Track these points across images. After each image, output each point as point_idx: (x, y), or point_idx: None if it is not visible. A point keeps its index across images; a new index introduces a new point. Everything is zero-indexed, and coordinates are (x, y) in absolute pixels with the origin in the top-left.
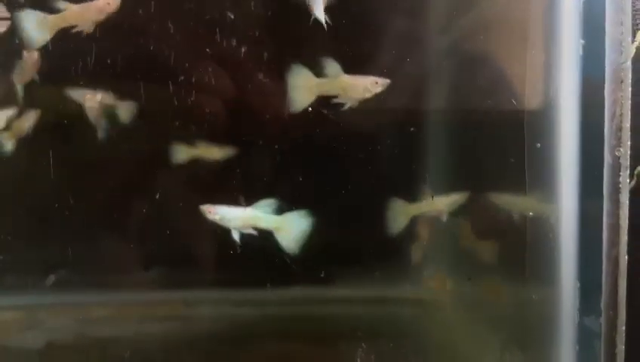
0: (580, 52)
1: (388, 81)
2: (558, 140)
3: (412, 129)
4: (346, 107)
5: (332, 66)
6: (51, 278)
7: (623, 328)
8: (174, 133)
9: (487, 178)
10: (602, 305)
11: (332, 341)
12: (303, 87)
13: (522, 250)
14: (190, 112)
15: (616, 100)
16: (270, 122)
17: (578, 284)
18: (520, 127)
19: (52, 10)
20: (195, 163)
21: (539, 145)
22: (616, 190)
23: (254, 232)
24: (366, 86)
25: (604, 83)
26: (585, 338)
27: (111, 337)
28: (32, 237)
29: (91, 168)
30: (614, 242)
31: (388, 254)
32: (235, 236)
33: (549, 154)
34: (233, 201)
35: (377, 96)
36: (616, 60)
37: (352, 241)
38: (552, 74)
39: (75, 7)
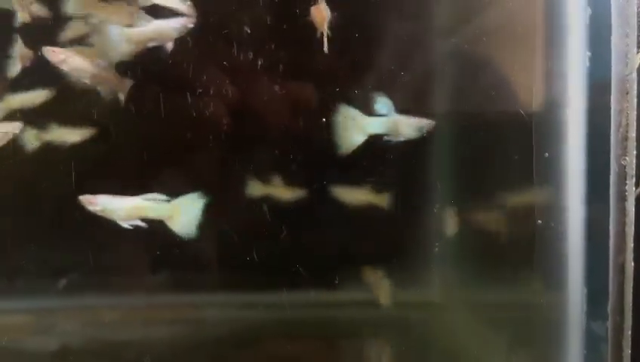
0: (587, 63)
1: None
2: (566, 149)
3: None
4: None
5: (384, 104)
6: (62, 282)
7: (630, 332)
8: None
9: (495, 185)
10: (609, 310)
11: (339, 343)
12: (352, 128)
13: (530, 256)
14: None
15: (621, 110)
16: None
17: (585, 290)
18: (528, 136)
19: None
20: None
21: (547, 154)
22: (622, 198)
23: (142, 224)
24: (418, 125)
25: (610, 94)
26: (592, 343)
27: (122, 340)
28: (43, 240)
29: (101, 172)
30: (621, 249)
31: (394, 257)
32: (126, 225)
33: (557, 163)
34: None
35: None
36: (621, 72)
37: (358, 245)
38: (559, 84)
39: (157, 23)
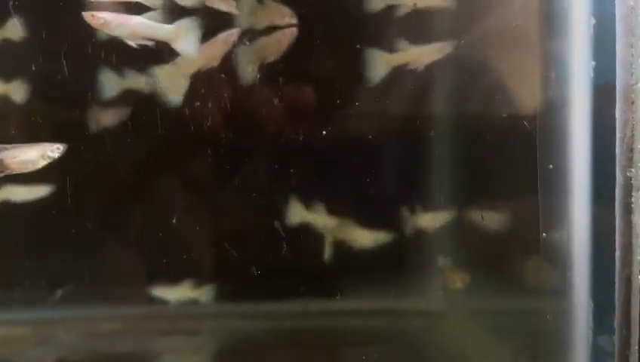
0: (591, 74)
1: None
2: (571, 161)
3: (432, 132)
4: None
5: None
6: (59, 293)
7: (637, 347)
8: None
9: (499, 198)
10: (615, 324)
11: (341, 353)
12: (377, 63)
13: (535, 269)
14: None
15: (627, 121)
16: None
17: (591, 304)
18: (532, 148)
19: None
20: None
21: (551, 166)
22: (628, 210)
23: (149, 43)
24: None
25: (615, 104)
26: (598, 357)
27: (120, 352)
28: (40, 251)
29: (100, 183)
30: (627, 261)
31: (396, 266)
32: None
33: (562, 175)
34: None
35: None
36: (626, 82)
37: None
38: (563, 94)
39: (220, 37)
